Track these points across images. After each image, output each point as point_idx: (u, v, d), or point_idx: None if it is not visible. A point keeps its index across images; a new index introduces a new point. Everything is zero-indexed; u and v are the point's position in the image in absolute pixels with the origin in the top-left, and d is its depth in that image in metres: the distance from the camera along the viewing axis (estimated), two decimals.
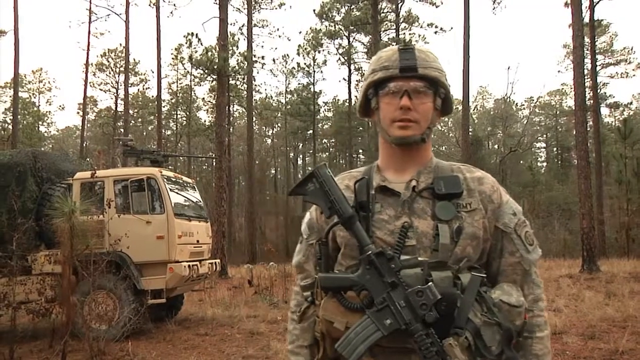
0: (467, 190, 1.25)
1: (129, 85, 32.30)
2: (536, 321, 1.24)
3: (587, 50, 21.30)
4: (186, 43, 27.09)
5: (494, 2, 24.55)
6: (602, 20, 29.88)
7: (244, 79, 30.11)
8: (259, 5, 31.31)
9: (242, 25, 29.93)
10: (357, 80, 35.95)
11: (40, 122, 41.56)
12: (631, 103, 41.94)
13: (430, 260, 1.16)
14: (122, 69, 34.06)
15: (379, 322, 1.10)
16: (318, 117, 40.50)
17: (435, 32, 30.98)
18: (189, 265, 7.36)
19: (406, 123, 1.24)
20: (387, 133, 1.28)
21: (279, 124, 44.17)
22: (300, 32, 54.62)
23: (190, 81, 38.11)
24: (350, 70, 35.28)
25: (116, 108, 35.84)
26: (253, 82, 31.13)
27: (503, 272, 1.27)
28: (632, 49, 34.83)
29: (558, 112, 45.50)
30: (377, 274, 1.13)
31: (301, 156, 47.33)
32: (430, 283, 1.09)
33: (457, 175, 1.27)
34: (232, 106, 33.37)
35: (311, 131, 39.79)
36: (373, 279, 1.13)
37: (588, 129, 18.39)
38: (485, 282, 1.18)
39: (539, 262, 1.30)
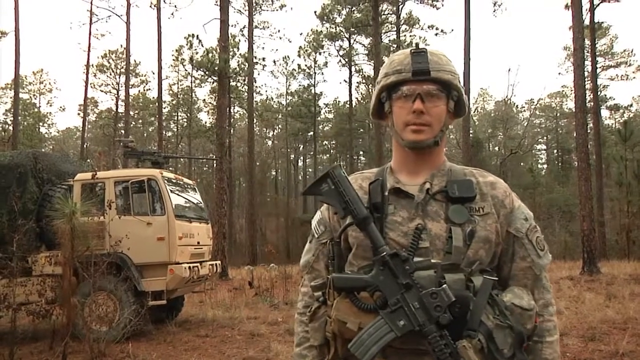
0: (480, 195, 1.26)
1: (130, 86, 32.34)
2: (546, 326, 1.25)
3: (588, 52, 21.31)
4: (187, 44, 27.11)
5: (494, 5, 24.63)
6: (602, 22, 29.87)
7: (244, 80, 30.14)
8: (260, 7, 31.36)
9: (243, 27, 29.96)
10: (357, 82, 36.05)
11: (40, 123, 41.60)
12: (631, 105, 42.06)
13: (443, 262, 1.17)
14: (122, 70, 34.10)
15: (393, 323, 1.10)
16: (319, 118, 40.52)
17: (436, 34, 31.07)
18: (189, 267, 7.35)
19: (419, 127, 1.24)
20: (400, 137, 1.28)
21: (280, 126, 44.18)
22: (301, 34, 54.82)
23: (191, 82, 38.19)
24: (351, 72, 35.36)
25: (117, 109, 35.91)
26: (254, 83, 31.17)
27: (514, 277, 1.27)
28: (632, 51, 34.88)
29: (558, 114, 45.53)
30: (391, 275, 1.13)
31: (302, 158, 47.35)
32: (444, 285, 1.10)
33: (471, 179, 1.28)
34: (232, 108, 33.39)
35: (312, 133, 39.81)
36: (387, 280, 1.14)
37: (588, 131, 18.40)
38: (496, 286, 1.19)
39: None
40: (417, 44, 1.40)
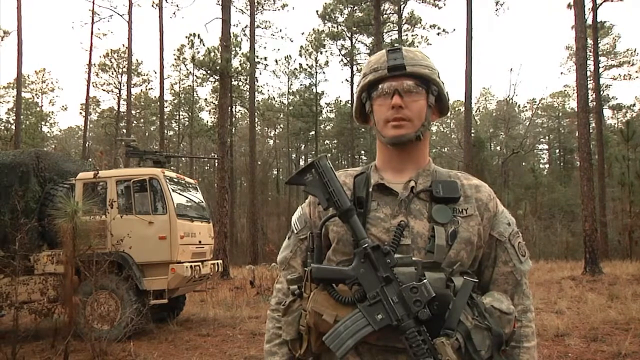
0: (464, 197, 1.26)
1: (132, 85, 32.31)
2: (524, 331, 1.24)
3: (590, 52, 21.26)
4: (188, 44, 27.19)
5: (496, 4, 24.56)
6: (605, 22, 29.81)
7: (246, 79, 30.13)
8: (262, 7, 31.33)
9: (245, 26, 29.93)
10: (359, 82, 36.01)
11: (42, 123, 41.64)
12: (634, 105, 41.96)
13: (424, 260, 1.16)
14: (124, 69, 34.12)
15: (370, 316, 1.09)
16: (320, 118, 40.49)
17: (438, 34, 30.98)
18: (191, 266, 7.36)
19: (399, 122, 1.24)
20: (381, 134, 1.28)
21: (281, 125, 44.16)
22: (302, 33, 54.80)
23: (193, 82, 38.19)
24: (352, 71, 35.30)
25: (119, 108, 35.92)
26: (255, 83, 31.13)
27: (495, 281, 1.27)
28: (635, 50, 34.77)
29: (560, 114, 45.45)
30: (371, 268, 1.12)
31: (303, 157, 47.27)
32: (425, 280, 1.09)
33: (455, 181, 1.28)
34: (234, 107, 33.35)
35: (313, 132, 39.77)
36: (367, 272, 1.12)
37: (590, 131, 18.35)
38: (476, 288, 1.18)
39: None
40: (392, 43, 1.41)
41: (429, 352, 1.05)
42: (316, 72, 37.78)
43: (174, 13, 45.42)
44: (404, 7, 30.62)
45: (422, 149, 1.31)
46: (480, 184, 1.32)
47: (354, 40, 34.37)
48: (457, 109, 40.82)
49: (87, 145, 34.88)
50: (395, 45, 1.30)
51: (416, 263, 1.14)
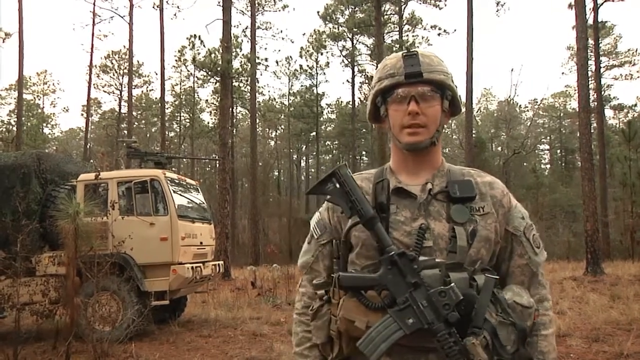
0: (480, 195, 1.29)
1: (133, 87, 32.29)
2: (542, 320, 1.27)
3: (591, 52, 21.23)
4: (189, 45, 27.22)
5: (497, 4, 24.52)
6: (606, 21, 29.79)
7: (247, 81, 30.12)
8: (263, 8, 31.33)
9: (246, 28, 29.90)
10: (360, 82, 36.01)
11: (44, 124, 41.72)
12: (635, 105, 41.83)
13: (447, 261, 1.18)
14: (125, 70, 34.13)
15: (401, 321, 1.12)
16: (321, 119, 40.52)
17: (439, 34, 30.98)
18: (192, 267, 7.36)
19: (415, 129, 1.26)
20: (397, 139, 1.30)
21: (282, 126, 44.19)
22: (303, 34, 54.74)
23: (194, 83, 38.20)
24: (353, 72, 35.33)
25: (120, 110, 35.97)
26: (256, 84, 31.13)
27: (511, 274, 1.31)
28: (636, 50, 34.70)
29: (562, 114, 45.42)
30: (399, 274, 1.14)
31: (304, 158, 47.35)
32: (452, 284, 1.12)
33: (470, 179, 1.30)
34: (235, 108, 33.38)
35: (314, 133, 39.80)
36: (395, 279, 1.15)
37: (592, 131, 18.33)
38: (497, 284, 1.21)
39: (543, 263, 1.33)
40: (407, 48, 1.42)
41: (460, 354, 1.08)
42: (317, 73, 37.85)
43: (175, 14, 45.28)
44: (404, 7, 30.66)
45: (436, 151, 1.34)
46: (493, 180, 1.34)
47: (354, 41, 34.38)
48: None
49: (88, 146, 34.91)
50: (411, 49, 1.30)
51: (440, 264, 1.17)
